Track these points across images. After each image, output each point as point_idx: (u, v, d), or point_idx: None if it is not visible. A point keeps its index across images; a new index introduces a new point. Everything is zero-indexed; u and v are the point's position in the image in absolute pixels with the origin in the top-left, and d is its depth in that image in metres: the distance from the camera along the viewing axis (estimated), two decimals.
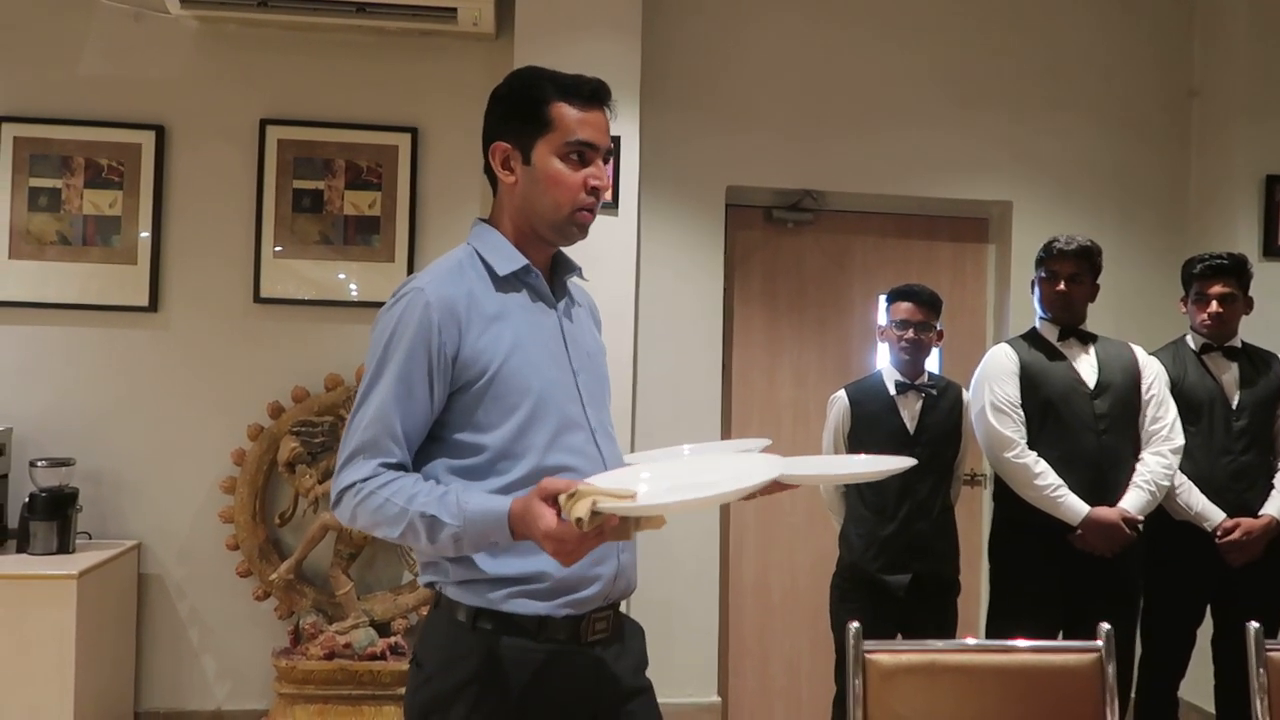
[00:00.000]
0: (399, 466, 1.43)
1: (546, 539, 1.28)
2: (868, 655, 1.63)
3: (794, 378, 3.82)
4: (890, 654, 1.64)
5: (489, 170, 1.56)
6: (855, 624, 1.63)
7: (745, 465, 1.35)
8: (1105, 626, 1.69)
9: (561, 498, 1.26)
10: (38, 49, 3.35)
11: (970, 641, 1.74)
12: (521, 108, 1.50)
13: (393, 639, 3.22)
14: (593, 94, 1.51)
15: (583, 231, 1.54)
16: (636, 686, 1.56)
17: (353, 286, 3.45)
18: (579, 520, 1.21)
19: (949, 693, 1.61)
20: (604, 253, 3.18)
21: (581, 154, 1.50)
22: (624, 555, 1.53)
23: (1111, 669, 1.65)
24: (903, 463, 1.57)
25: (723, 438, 3.67)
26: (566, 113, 1.49)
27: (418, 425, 1.45)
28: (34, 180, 3.34)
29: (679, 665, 3.57)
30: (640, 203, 3.40)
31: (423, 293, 1.44)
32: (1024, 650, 1.70)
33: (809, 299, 3.84)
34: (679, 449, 1.72)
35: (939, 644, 1.70)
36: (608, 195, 1.58)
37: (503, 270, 1.52)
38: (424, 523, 1.38)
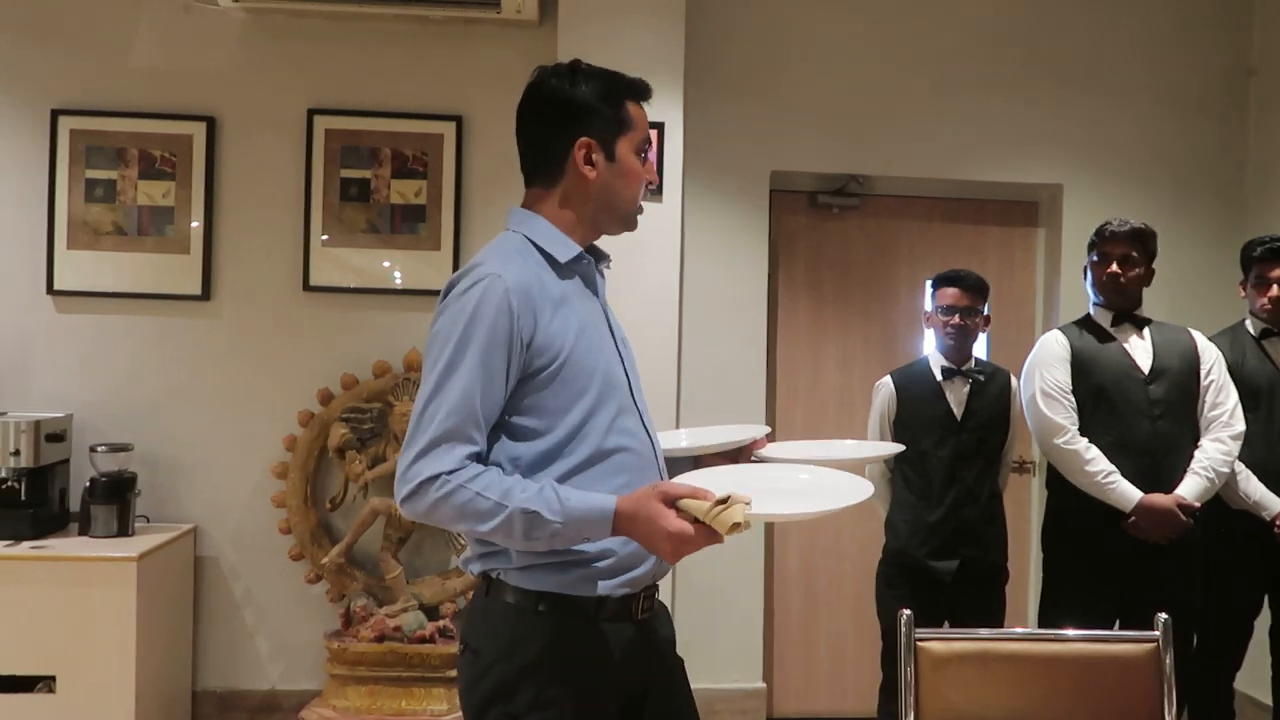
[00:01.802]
0: (479, 455, 1.44)
1: (670, 539, 1.35)
2: (919, 643, 1.62)
3: (839, 364, 3.80)
4: (942, 642, 1.64)
5: (542, 163, 1.57)
6: (907, 611, 1.63)
7: (845, 483, 1.50)
8: (1163, 616, 1.67)
9: (704, 505, 1.33)
10: (91, 43, 3.42)
11: (1023, 630, 1.74)
12: (607, 106, 1.56)
13: (441, 622, 3.27)
14: (648, 93, 1.62)
15: (636, 223, 1.63)
16: (675, 661, 1.63)
17: (397, 274, 3.49)
18: (736, 525, 1.30)
19: (1001, 682, 1.60)
20: (649, 239, 3.17)
21: (645, 150, 1.61)
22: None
23: (1169, 659, 1.63)
24: (896, 447, 1.65)
25: (768, 423, 3.66)
26: (637, 112, 1.60)
27: (494, 411, 1.45)
28: (90, 172, 3.41)
29: (724, 651, 3.59)
30: (684, 189, 3.39)
31: (500, 279, 1.45)
32: (1078, 640, 1.68)
33: (854, 285, 3.81)
34: (677, 433, 1.88)
35: (991, 632, 1.70)
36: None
37: (563, 258, 1.55)
38: (523, 519, 1.38)
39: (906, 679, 1.60)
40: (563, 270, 1.55)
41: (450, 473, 1.40)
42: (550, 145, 1.56)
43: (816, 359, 3.80)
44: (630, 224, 1.62)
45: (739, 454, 1.74)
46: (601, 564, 1.48)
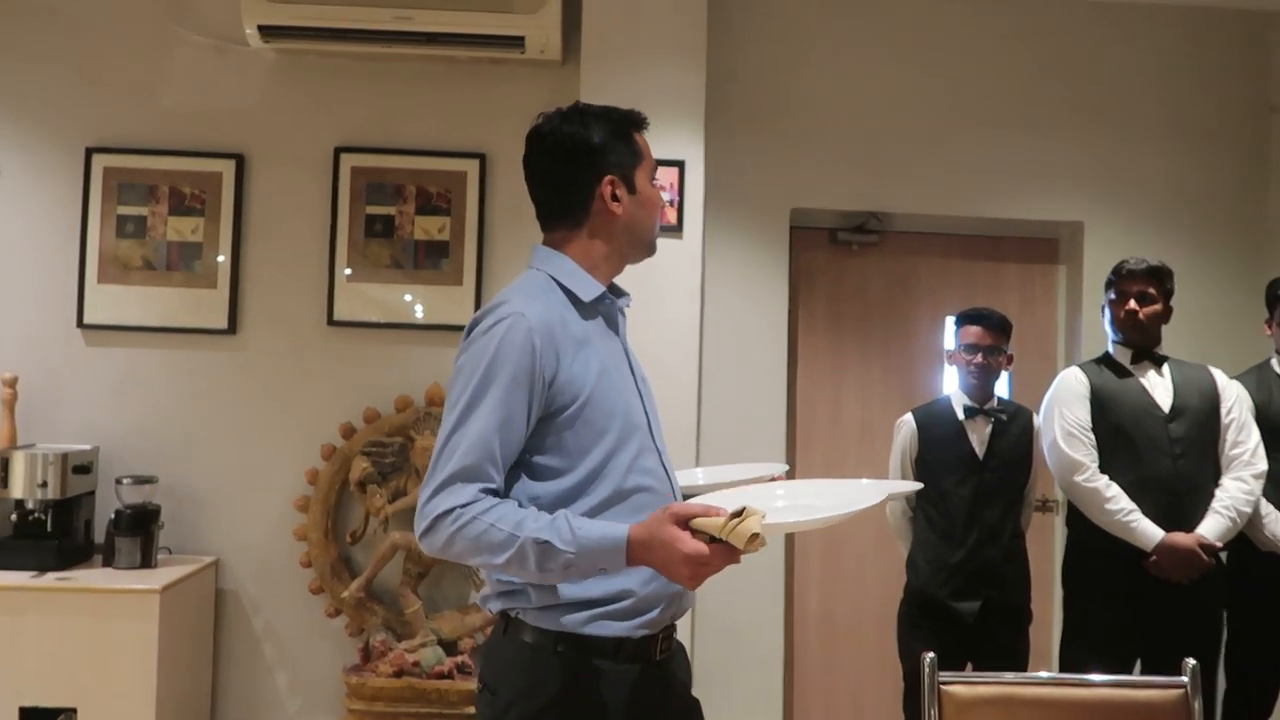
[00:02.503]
0: (496, 492, 1.44)
1: (687, 562, 1.31)
2: (943, 686, 1.61)
3: (859, 400, 3.79)
4: (966, 685, 1.62)
5: (563, 207, 1.60)
6: (930, 654, 1.62)
7: (857, 490, 1.47)
8: (1191, 662, 1.65)
9: (718, 521, 1.29)
10: (126, 83, 3.50)
11: (1048, 675, 1.71)
12: (621, 142, 1.60)
13: (459, 658, 3.26)
14: (645, 121, 1.67)
15: (656, 246, 1.69)
16: (693, 700, 1.62)
17: (419, 309, 3.52)
18: (754, 538, 1.25)
19: None
20: (669, 276, 3.20)
21: (655, 177, 1.66)
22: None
23: (1198, 705, 1.61)
24: (913, 486, 1.67)
25: (788, 459, 3.66)
26: (644, 141, 1.64)
27: (514, 450, 1.46)
28: (121, 208, 3.48)
29: (743, 692, 3.55)
30: (705, 226, 3.42)
31: (524, 317, 1.46)
32: (1104, 685, 1.66)
33: (874, 321, 3.82)
34: (693, 471, 1.88)
35: (1016, 676, 1.68)
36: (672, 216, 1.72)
37: (587, 297, 1.57)
38: (536, 550, 1.37)
39: None
40: (586, 309, 1.57)
41: (464, 506, 1.40)
42: (574, 187, 1.58)
43: (836, 395, 3.80)
44: (653, 249, 1.67)
45: None
46: (621, 604, 1.48)
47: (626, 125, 1.61)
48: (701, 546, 1.31)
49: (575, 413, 1.48)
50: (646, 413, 1.59)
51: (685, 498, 1.65)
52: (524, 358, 1.44)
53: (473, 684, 3.18)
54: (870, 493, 1.43)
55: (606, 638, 1.47)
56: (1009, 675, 1.68)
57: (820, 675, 3.73)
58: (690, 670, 1.65)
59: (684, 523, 1.33)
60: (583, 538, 1.37)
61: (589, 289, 1.57)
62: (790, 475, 1.83)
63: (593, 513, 1.47)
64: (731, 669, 3.52)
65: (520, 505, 1.44)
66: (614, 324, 1.63)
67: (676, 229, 3.31)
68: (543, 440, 1.48)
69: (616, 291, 1.66)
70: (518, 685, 1.48)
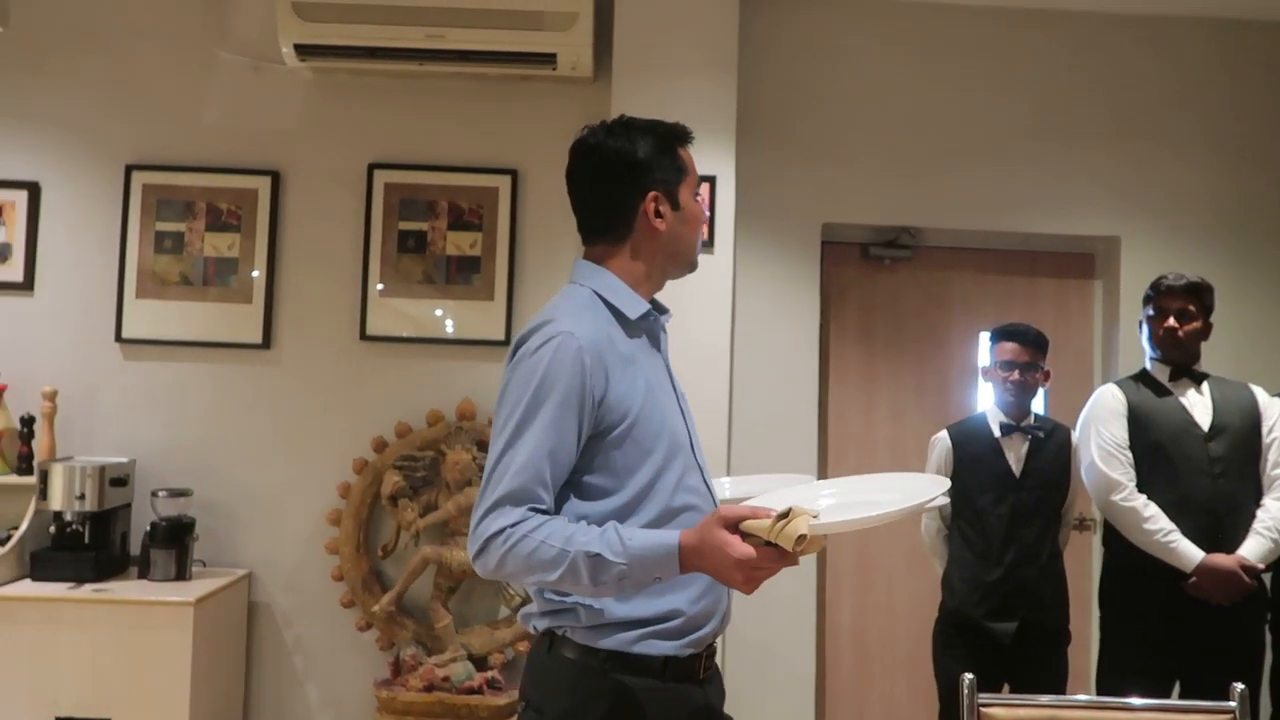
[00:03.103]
0: (545, 513, 1.43)
1: (739, 567, 1.28)
2: (982, 708, 1.58)
3: (891, 416, 3.76)
4: (1006, 707, 1.59)
5: (605, 222, 1.59)
6: (970, 675, 1.59)
7: (913, 483, 1.42)
8: (1239, 686, 1.61)
9: (765, 522, 1.26)
10: (165, 102, 3.56)
11: (1089, 698, 1.68)
12: (666, 157, 1.59)
13: (489, 673, 3.26)
14: (690, 136, 1.66)
15: (698, 262, 1.68)
16: (728, 718, 1.61)
17: (450, 323, 3.54)
18: (802, 538, 1.22)
19: None
20: (700, 291, 3.20)
21: (699, 192, 1.65)
22: (728, 593, 1.54)
23: None
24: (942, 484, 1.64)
25: (819, 476, 3.63)
26: (688, 156, 1.63)
27: (563, 471, 1.45)
28: (160, 224, 3.53)
29: (774, 709, 3.52)
30: (736, 242, 3.41)
31: (574, 336, 1.45)
32: (1148, 709, 1.63)
33: (906, 336, 3.79)
34: (720, 481, 1.81)
35: (1057, 699, 1.65)
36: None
37: (633, 314, 1.56)
38: (588, 563, 1.35)
39: None
40: (631, 327, 1.56)
41: (514, 525, 1.39)
42: (618, 202, 1.58)
43: (869, 411, 3.77)
44: (694, 266, 1.66)
45: None
46: (670, 624, 1.47)
47: (671, 139, 1.60)
48: (750, 550, 1.28)
49: (624, 432, 1.47)
50: (689, 430, 1.59)
51: None
52: (574, 378, 1.43)
53: (502, 699, 3.18)
54: (926, 486, 1.38)
55: (654, 656, 1.45)
56: (1049, 698, 1.65)
57: (852, 694, 3.68)
58: (724, 694, 1.63)
59: (733, 526, 1.30)
60: (634, 548, 1.35)
61: (634, 306, 1.56)
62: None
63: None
64: (763, 687, 3.49)
65: (569, 521, 1.44)
66: (656, 341, 1.62)
67: (708, 244, 3.30)
68: (591, 460, 1.47)
69: (659, 308, 1.65)
70: (563, 704, 1.47)
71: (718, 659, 1.61)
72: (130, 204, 3.52)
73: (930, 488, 1.37)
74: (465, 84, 3.58)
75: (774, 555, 1.27)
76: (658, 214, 1.57)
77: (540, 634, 1.54)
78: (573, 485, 1.48)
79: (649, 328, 1.60)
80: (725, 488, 1.81)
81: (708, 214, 1.70)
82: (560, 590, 1.46)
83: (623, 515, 1.46)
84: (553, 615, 1.51)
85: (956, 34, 3.71)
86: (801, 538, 1.23)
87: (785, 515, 1.25)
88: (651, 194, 1.57)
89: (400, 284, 3.55)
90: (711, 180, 3.31)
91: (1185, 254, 3.57)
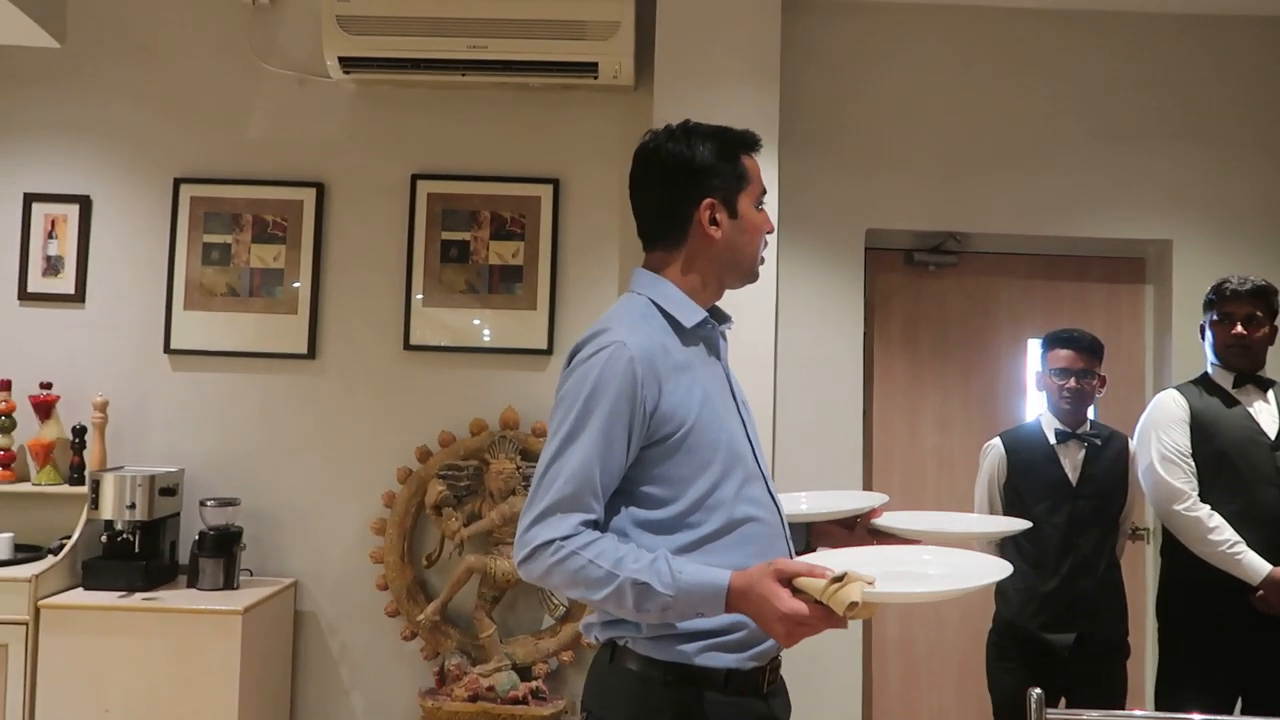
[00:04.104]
0: (595, 523, 1.43)
1: (783, 621, 1.29)
2: None
3: (937, 425, 3.71)
4: None
5: (662, 228, 1.58)
6: (1038, 690, 1.55)
7: (973, 562, 1.42)
8: None
9: (819, 582, 1.27)
10: (212, 116, 3.60)
11: (1152, 714, 1.63)
12: (726, 164, 1.57)
13: (534, 683, 3.24)
14: (758, 144, 1.62)
15: (759, 273, 1.63)
16: None
17: (489, 333, 3.54)
18: (853, 604, 1.23)
19: None
20: (744, 298, 3.14)
21: (763, 201, 1.62)
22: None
23: None
24: (1021, 524, 1.66)
25: (865, 487, 3.59)
26: (752, 165, 1.60)
27: (613, 480, 1.45)
28: (207, 236, 3.57)
29: (821, 718, 3.48)
30: (780, 249, 3.39)
31: (625, 346, 1.45)
32: None
33: (952, 343, 3.74)
34: (797, 496, 1.82)
35: (1127, 715, 1.60)
36: None
37: (689, 323, 1.54)
38: (635, 590, 1.36)
39: None
40: (687, 335, 1.54)
41: (565, 539, 1.39)
42: (674, 208, 1.57)
43: (914, 419, 3.72)
44: (754, 276, 1.63)
45: (855, 521, 1.71)
46: (732, 636, 1.45)
47: (735, 146, 1.58)
48: (801, 606, 1.29)
49: (679, 441, 1.46)
50: (750, 439, 1.57)
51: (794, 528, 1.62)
52: (625, 387, 1.43)
53: (546, 710, 3.17)
54: (989, 569, 1.39)
55: (716, 669, 1.44)
56: (1118, 713, 1.61)
57: (900, 704, 3.63)
58: (789, 707, 1.60)
59: (787, 580, 1.31)
60: (683, 582, 1.36)
61: (691, 314, 1.54)
62: (888, 506, 1.77)
63: (701, 543, 1.45)
64: (809, 698, 3.44)
65: (622, 540, 1.43)
66: (715, 349, 1.60)
67: None
68: (648, 470, 1.46)
69: (720, 316, 1.63)
70: (624, 715, 1.46)
71: (782, 671, 1.58)
72: (179, 216, 3.56)
73: (992, 571, 1.37)
74: (507, 94, 3.59)
75: (822, 615, 1.28)
76: (713, 221, 1.55)
77: (602, 644, 1.53)
78: (629, 494, 1.47)
79: (707, 336, 1.58)
80: (801, 503, 1.78)
81: (773, 225, 1.64)
82: None
83: (679, 525, 1.45)
84: (614, 625, 1.50)
85: (1000, 36, 3.67)
86: (853, 604, 1.23)
87: (840, 579, 1.25)
88: (707, 201, 1.55)
89: (443, 293, 3.56)
90: None
91: (1238, 258, 3.49)
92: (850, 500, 1.74)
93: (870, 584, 1.26)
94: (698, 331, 1.56)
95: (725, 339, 1.65)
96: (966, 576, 1.37)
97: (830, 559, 1.40)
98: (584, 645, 3.31)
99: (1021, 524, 1.65)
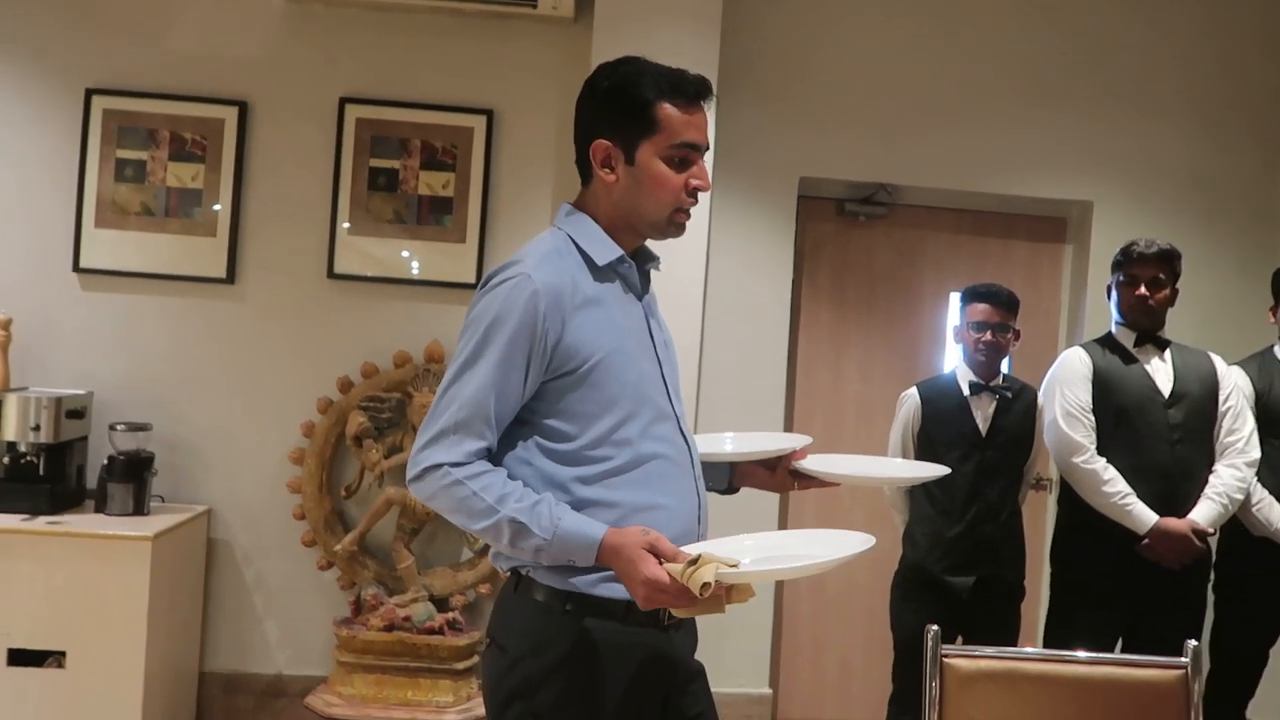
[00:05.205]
0: (486, 450, 1.45)
1: (645, 585, 1.34)
2: (946, 659, 1.61)
3: (860, 373, 3.78)
4: (968, 659, 1.62)
5: (582, 163, 1.55)
6: (934, 627, 1.62)
7: (840, 540, 1.43)
8: (1192, 643, 1.66)
9: (679, 566, 1.32)
10: (130, 24, 3.43)
11: (1050, 651, 1.72)
12: (626, 107, 1.48)
13: (450, 614, 3.26)
14: (697, 94, 1.51)
15: (680, 230, 1.55)
16: (696, 668, 1.61)
17: (418, 265, 3.48)
18: (704, 586, 1.28)
19: (1028, 701, 1.59)
20: (675, 241, 3.16)
21: (685, 156, 1.50)
22: (700, 542, 1.54)
23: (1197, 687, 1.62)
24: (939, 470, 1.68)
25: (786, 429, 3.65)
26: (672, 114, 1.48)
27: (509, 410, 1.46)
28: (121, 152, 3.42)
29: (731, 655, 3.57)
30: (713, 193, 3.38)
31: (530, 279, 1.44)
32: (1106, 663, 1.67)
33: (878, 294, 3.80)
34: (722, 436, 1.80)
35: (1018, 652, 1.69)
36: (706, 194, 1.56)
37: (601, 260, 1.52)
38: (511, 528, 1.41)
39: (931, 694, 1.59)
40: (601, 273, 1.52)
41: (455, 465, 1.42)
42: (578, 142, 1.54)
43: (837, 366, 3.78)
44: (664, 231, 1.54)
45: (777, 462, 1.73)
46: None
47: (649, 89, 1.46)
48: (663, 574, 1.34)
49: (583, 375, 1.46)
50: (665, 379, 1.56)
51: (706, 466, 1.63)
52: (527, 318, 1.43)
53: (462, 640, 3.20)
54: (854, 541, 1.40)
55: (616, 599, 1.46)
56: (1012, 650, 1.69)
57: (809, 642, 3.75)
58: (696, 638, 1.64)
59: (658, 555, 1.36)
60: (560, 529, 1.40)
61: (605, 252, 1.52)
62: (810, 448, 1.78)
63: (605, 476, 1.47)
64: (720, 633, 3.52)
65: (510, 477, 1.45)
66: (634, 288, 1.58)
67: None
68: (552, 404, 1.47)
69: (645, 256, 1.60)
70: (526, 643, 1.48)
71: None
72: (90, 129, 3.40)
73: (856, 544, 1.39)
74: (443, 20, 3.49)
75: (679, 590, 1.32)
76: (606, 165, 1.50)
77: (509, 574, 1.54)
78: (535, 425, 1.48)
79: (625, 274, 1.56)
80: (727, 442, 1.78)
81: (702, 184, 1.52)
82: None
83: (584, 459, 1.47)
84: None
85: None
86: (705, 585, 1.28)
87: (694, 561, 1.31)
88: (598, 142, 1.50)
89: (370, 223, 3.48)
90: None
91: (1157, 220, 3.60)
92: (775, 441, 1.76)
93: (732, 566, 1.31)
94: (615, 268, 1.54)
95: (649, 278, 1.63)
96: (831, 550, 1.39)
97: (702, 547, 1.42)
98: (503, 578, 3.33)
99: (941, 469, 1.69)
